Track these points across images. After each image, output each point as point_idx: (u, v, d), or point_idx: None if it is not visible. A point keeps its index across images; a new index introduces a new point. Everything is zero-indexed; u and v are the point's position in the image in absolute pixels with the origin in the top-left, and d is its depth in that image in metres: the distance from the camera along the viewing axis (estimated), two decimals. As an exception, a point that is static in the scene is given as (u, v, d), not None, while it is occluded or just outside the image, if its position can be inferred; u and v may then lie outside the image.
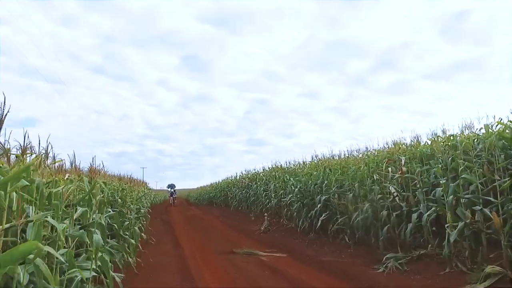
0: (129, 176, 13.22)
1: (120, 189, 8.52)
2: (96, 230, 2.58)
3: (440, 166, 4.97)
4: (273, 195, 11.72)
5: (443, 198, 4.79)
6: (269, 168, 14.25)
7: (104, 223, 2.95)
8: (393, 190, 6.07)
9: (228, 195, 18.97)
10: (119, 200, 7.62)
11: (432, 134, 6.47)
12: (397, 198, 6.06)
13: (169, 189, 31.25)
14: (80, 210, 2.68)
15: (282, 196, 10.51)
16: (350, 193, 6.90)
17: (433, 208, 4.91)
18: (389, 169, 6.40)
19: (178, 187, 31.97)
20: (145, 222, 8.82)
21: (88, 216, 2.89)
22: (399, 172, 6.25)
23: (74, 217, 2.60)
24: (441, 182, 4.88)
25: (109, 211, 3.95)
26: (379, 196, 6.19)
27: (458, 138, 5.76)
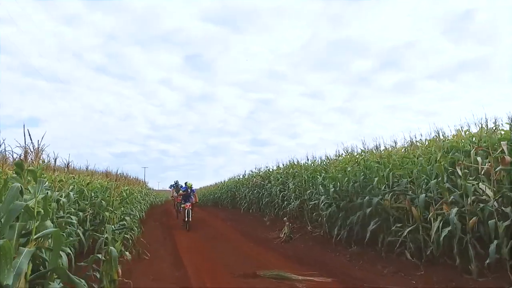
0: (122, 174, 11.45)
1: (105, 187, 6.69)
2: None
3: None
4: (292, 196, 9.84)
5: None
6: (283, 165, 12.36)
7: None
8: (490, 192, 4.18)
9: (236, 196, 17.08)
10: (103, 202, 5.81)
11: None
12: (495, 203, 4.17)
13: (172, 188, 16.65)
14: None
15: (308, 197, 8.61)
16: (419, 194, 5.00)
17: None
18: (478, 159, 4.53)
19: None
20: (139, 230, 6.99)
21: None
22: (490, 163, 4.37)
23: None
24: None
25: (49, 226, 2.10)
26: (472, 198, 4.29)
27: None
